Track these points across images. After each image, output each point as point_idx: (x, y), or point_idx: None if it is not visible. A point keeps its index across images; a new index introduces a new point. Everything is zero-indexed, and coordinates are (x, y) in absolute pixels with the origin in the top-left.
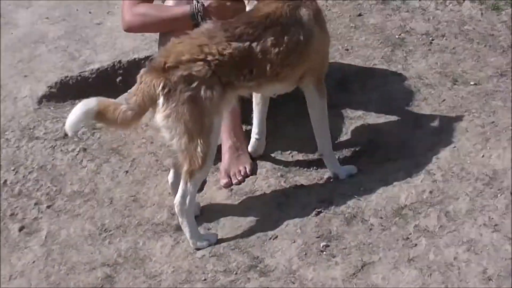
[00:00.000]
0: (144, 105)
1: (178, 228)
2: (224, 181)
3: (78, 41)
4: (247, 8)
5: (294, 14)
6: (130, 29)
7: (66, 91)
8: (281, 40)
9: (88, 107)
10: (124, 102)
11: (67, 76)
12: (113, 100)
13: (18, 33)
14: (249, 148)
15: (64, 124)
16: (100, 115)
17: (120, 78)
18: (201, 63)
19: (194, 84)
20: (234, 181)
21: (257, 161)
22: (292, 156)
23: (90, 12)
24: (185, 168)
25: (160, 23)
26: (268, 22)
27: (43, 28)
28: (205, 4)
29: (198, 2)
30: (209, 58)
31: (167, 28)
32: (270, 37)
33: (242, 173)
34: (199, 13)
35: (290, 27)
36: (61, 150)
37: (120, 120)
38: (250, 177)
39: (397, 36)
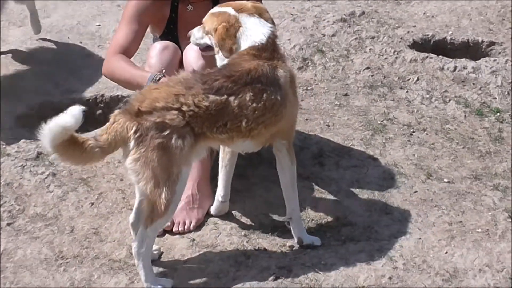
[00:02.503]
0: (114, 145)
1: (135, 269)
2: (166, 224)
3: (65, 69)
4: (218, 61)
5: (273, 74)
6: (105, 76)
7: (44, 114)
8: (259, 98)
9: (68, 125)
10: (91, 139)
11: (48, 100)
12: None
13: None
14: (212, 209)
15: (36, 146)
16: (67, 143)
17: (100, 111)
18: (175, 112)
19: (166, 132)
20: (174, 229)
21: (222, 218)
22: (258, 219)
23: (80, 42)
24: (147, 213)
25: (123, 82)
26: (249, 78)
27: (32, 48)
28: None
29: (160, 73)
30: (184, 108)
31: (131, 87)
32: (249, 93)
33: (185, 227)
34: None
35: (270, 86)
36: (30, 171)
37: (85, 155)
38: (214, 231)
39: (379, 122)
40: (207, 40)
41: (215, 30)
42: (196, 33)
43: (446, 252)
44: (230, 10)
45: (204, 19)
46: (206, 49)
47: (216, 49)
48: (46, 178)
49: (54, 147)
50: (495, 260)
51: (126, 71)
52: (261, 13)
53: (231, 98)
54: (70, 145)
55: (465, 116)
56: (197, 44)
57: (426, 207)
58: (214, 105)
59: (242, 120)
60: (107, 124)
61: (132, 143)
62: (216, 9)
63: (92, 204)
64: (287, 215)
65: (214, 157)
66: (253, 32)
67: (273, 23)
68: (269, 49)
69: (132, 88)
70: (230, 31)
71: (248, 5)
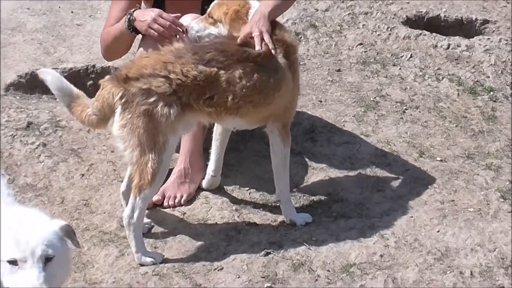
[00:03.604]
0: (104, 111)
1: (125, 241)
2: (156, 197)
3: (56, 37)
4: (213, 29)
5: (272, 56)
6: (104, 54)
7: (34, 83)
8: (250, 77)
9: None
10: (90, 106)
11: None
12: (87, 100)
13: None
14: (204, 183)
15: (27, 116)
16: (73, 107)
17: (91, 82)
18: (162, 79)
19: (152, 99)
20: (165, 203)
21: (213, 192)
22: (249, 193)
23: (72, 12)
24: (135, 182)
25: (115, 42)
26: (244, 56)
27: (22, 17)
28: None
29: (129, 15)
30: (172, 76)
31: (122, 41)
32: (239, 70)
33: (176, 201)
34: (130, 27)
35: (265, 67)
36: (21, 141)
37: (87, 123)
38: (205, 205)
39: (372, 99)
40: (213, 30)
41: (226, 14)
42: (195, 26)
43: (438, 231)
44: None
45: (209, 11)
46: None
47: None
48: (36, 148)
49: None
50: (487, 240)
51: (111, 31)
52: None
53: (221, 72)
54: (74, 111)
55: (458, 94)
56: (199, 37)
57: (418, 185)
58: (202, 76)
59: (228, 96)
60: (98, 91)
61: (118, 109)
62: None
63: (83, 175)
64: (276, 196)
65: (206, 130)
66: None
67: None
68: (275, 31)
69: (125, 43)
70: (241, 12)
71: None
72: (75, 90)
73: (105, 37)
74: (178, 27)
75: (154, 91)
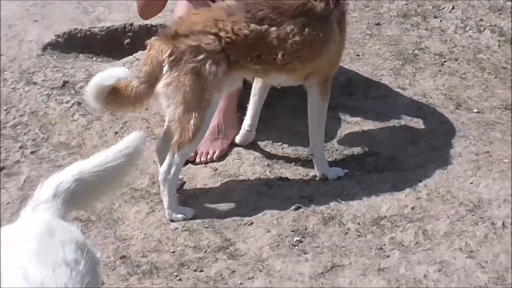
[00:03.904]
0: (154, 73)
1: (156, 197)
2: None
3: None
4: None
5: (323, 10)
6: (139, 13)
7: (72, 43)
8: (300, 32)
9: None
10: (133, 79)
11: (76, 29)
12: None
13: None
14: (238, 138)
15: (63, 75)
16: (112, 94)
17: (128, 40)
18: (212, 36)
19: (201, 57)
20: (197, 159)
21: (246, 148)
22: (282, 149)
23: None
24: (175, 138)
25: None
26: (297, 12)
27: None
28: None
29: None
30: (222, 34)
31: (155, 1)
32: (291, 26)
33: (208, 157)
34: None
35: (315, 22)
36: (56, 100)
37: (134, 96)
38: (237, 160)
39: (410, 52)
40: None
41: None
42: None
43: (471, 183)
44: None
45: None
46: None
47: None
48: (71, 107)
49: (102, 102)
50: None
51: None
52: None
53: (272, 29)
54: (116, 96)
55: (499, 45)
56: None
57: (454, 138)
58: (253, 34)
59: (278, 53)
60: (145, 53)
61: (166, 67)
62: None
63: (116, 133)
64: (309, 150)
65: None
66: None
67: None
68: None
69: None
70: None
71: None
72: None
73: None
74: None
75: (203, 48)
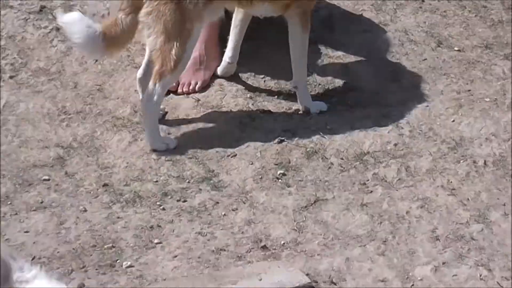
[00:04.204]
0: (134, 4)
1: (138, 126)
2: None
3: None
4: None
5: None
6: None
7: None
8: None
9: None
10: (118, 14)
11: None
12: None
13: None
14: (219, 70)
15: None
16: (106, 36)
17: None
18: None
19: None
20: (179, 90)
21: (228, 80)
22: (264, 81)
23: None
24: (156, 67)
25: None
26: None
27: None
28: None
29: None
30: None
31: None
32: None
33: (191, 88)
34: None
35: None
36: (33, 25)
37: (126, 27)
38: (219, 92)
39: None
40: None
41: None
42: None
43: (453, 121)
44: None
45: None
46: None
47: None
48: (49, 32)
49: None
50: (502, 130)
51: None
52: None
53: None
54: (109, 34)
55: None
56: None
57: (435, 75)
58: None
59: None
60: None
61: None
62: None
63: (96, 60)
64: (292, 83)
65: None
66: None
67: None
68: None
69: None
70: None
71: None
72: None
73: None
74: None
75: None
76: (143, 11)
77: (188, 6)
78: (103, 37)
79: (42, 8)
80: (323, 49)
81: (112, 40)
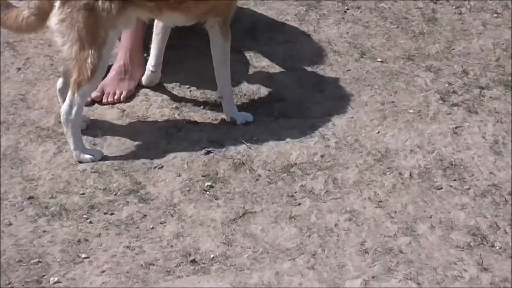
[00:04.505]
0: (43, 7)
1: (63, 137)
2: (95, 94)
3: None
4: None
5: None
6: None
7: None
8: None
9: None
10: (26, 8)
11: None
12: (15, 7)
13: None
14: (144, 79)
15: None
16: (3, 20)
17: None
18: None
19: None
20: (104, 100)
21: (153, 89)
22: (190, 91)
23: None
24: (73, 77)
25: None
26: None
27: None
28: None
29: None
30: None
31: None
32: None
33: (116, 97)
34: None
35: None
36: None
37: (25, 26)
38: (144, 102)
39: None
40: None
41: None
42: None
43: (378, 132)
44: None
45: None
46: None
47: None
48: None
49: None
50: (426, 142)
51: None
52: None
53: None
54: (7, 21)
55: None
56: None
57: (359, 86)
58: None
59: None
60: None
61: (57, 3)
62: None
63: (19, 69)
64: (217, 93)
65: (146, 27)
66: None
67: None
68: None
69: None
70: None
71: None
72: None
73: None
74: None
75: None
76: (56, 18)
77: (101, 13)
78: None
79: None
80: (247, 59)
81: (7, 26)
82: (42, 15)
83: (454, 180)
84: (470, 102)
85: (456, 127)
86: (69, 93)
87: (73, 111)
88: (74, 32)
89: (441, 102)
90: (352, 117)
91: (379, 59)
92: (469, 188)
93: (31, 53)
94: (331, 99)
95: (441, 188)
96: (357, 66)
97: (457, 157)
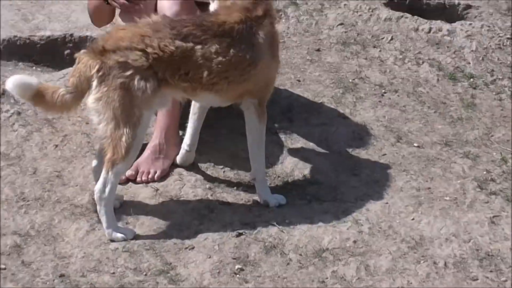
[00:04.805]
0: (81, 86)
1: (96, 215)
2: (129, 172)
3: (34, 4)
4: (211, 7)
5: (250, 31)
6: (93, 23)
7: (12, 51)
8: (225, 52)
9: (30, 81)
10: (61, 87)
11: (16, 36)
12: (51, 85)
13: None
14: (178, 159)
15: (3, 83)
16: (38, 97)
17: (68, 51)
18: (139, 53)
19: (129, 72)
20: (138, 179)
21: (187, 169)
22: (224, 172)
23: None
24: (108, 156)
25: (95, 11)
26: (220, 30)
27: None
28: None
29: None
30: (149, 50)
31: (103, 14)
32: (216, 45)
33: (150, 176)
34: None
35: (241, 43)
36: None
37: (59, 104)
38: (178, 182)
39: (350, 80)
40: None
41: None
42: None
43: (413, 219)
44: None
45: None
46: None
47: None
48: (10, 116)
49: (28, 99)
50: (462, 230)
51: (92, 1)
52: None
53: (197, 47)
54: (42, 97)
55: (438, 79)
56: None
57: (395, 171)
58: (179, 51)
59: (204, 72)
60: (74, 66)
61: (95, 82)
62: None
63: (56, 146)
64: (251, 175)
65: (182, 107)
66: None
67: None
68: (260, 6)
69: (105, 13)
70: None
71: None
72: (37, 80)
73: (89, 6)
74: None
75: (130, 65)
76: (93, 97)
77: (136, 92)
78: (35, 92)
79: (4, 92)
80: (282, 140)
81: (41, 101)
82: (78, 93)
83: (491, 271)
84: (508, 191)
85: (493, 216)
86: (103, 171)
87: (107, 189)
88: (109, 111)
89: (479, 190)
90: (387, 203)
91: (415, 144)
92: (506, 280)
93: (69, 130)
94: (366, 183)
95: (477, 279)
96: (393, 151)
97: (494, 247)
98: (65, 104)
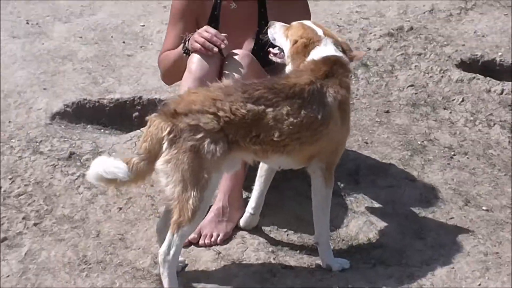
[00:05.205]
0: (153, 150)
1: (158, 278)
2: (192, 235)
3: (105, 67)
4: (287, 69)
5: (321, 92)
6: (162, 78)
7: (80, 113)
8: (297, 113)
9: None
10: (134, 156)
11: (85, 99)
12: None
13: (49, 45)
14: (242, 222)
15: (70, 146)
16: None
17: (137, 113)
18: (210, 116)
19: (199, 135)
20: (200, 242)
21: (250, 232)
22: (287, 235)
23: (124, 42)
24: (174, 218)
25: (173, 65)
26: (291, 92)
27: (74, 46)
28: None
29: (187, 40)
30: (220, 113)
31: (178, 67)
32: (287, 107)
33: (212, 239)
34: (185, 50)
35: (312, 104)
36: (61, 171)
37: (135, 174)
38: (241, 245)
39: (419, 142)
40: (283, 41)
41: (295, 42)
42: (278, 29)
43: (480, 284)
44: (319, 30)
45: (292, 24)
46: (276, 54)
47: (287, 58)
48: (76, 179)
49: (104, 183)
50: None
51: (171, 55)
52: (344, 47)
53: (269, 110)
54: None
55: (509, 142)
56: (272, 39)
57: (462, 235)
58: (250, 114)
59: (275, 133)
60: (145, 130)
61: (165, 144)
62: (308, 23)
63: (120, 209)
64: (314, 238)
65: (247, 169)
66: (322, 51)
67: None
68: (330, 66)
69: (183, 67)
70: (308, 48)
71: (336, 35)
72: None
73: (164, 62)
74: (220, 40)
75: (202, 128)
76: (162, 159)
77: (206, 155)
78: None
79: (71, 154)
80: (348, 203)
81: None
82: (151, 158)
83: None
84: None
85: None
86: (169, 234)
87: (172, 252)
88: (178, 173)
89: None
90: (453, 267)
91: (484, 208)
92: None
93: (133, 192)
94: (432, 247)
95: None
96: (460, 214)
97: None
98: (141, 172)
